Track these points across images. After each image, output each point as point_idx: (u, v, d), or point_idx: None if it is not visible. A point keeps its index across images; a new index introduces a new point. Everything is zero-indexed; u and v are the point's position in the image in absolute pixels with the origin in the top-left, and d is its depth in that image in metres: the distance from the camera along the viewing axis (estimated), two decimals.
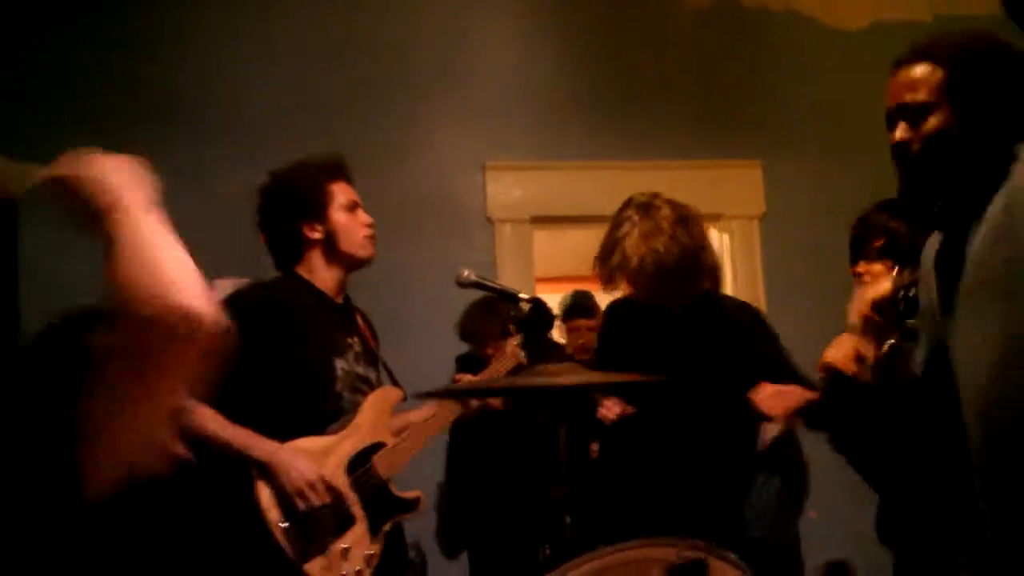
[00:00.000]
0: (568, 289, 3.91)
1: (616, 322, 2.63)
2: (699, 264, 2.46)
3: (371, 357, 2.44)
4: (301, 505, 2.11)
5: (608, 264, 2.39)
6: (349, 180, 2.40)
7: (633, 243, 2.36)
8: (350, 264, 2.37)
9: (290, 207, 2.34)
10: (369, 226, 2.36)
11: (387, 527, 2.25)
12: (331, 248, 2.34)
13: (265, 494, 2.11)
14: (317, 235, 2.33)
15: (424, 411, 2.40)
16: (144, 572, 2.27)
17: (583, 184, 3.82)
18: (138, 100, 3.51)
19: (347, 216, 2.34)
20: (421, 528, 2.07)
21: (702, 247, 2.48)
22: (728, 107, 3.98)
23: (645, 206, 2.45)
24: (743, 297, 3.39)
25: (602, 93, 3.92)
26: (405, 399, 2.43)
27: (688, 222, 2.45)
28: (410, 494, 2.33)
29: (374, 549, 2.19)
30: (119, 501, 1.14)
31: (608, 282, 2.43)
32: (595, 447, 2.35)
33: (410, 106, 3.75)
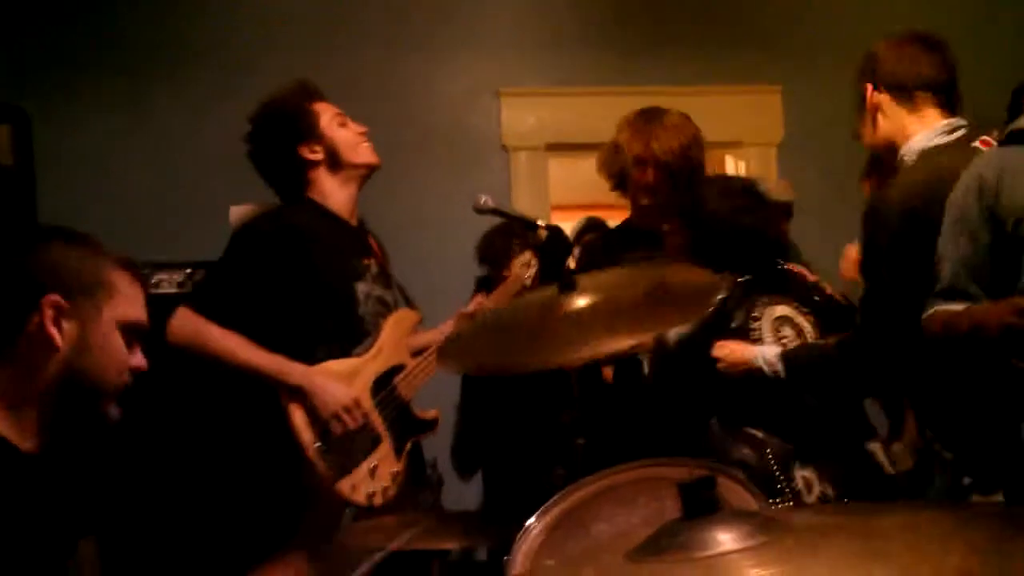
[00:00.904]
0: (582, 216, 3.90)
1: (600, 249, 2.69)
2: (699, 178, 2.51)
3: (387, 279, 2.47)
4: (338, 429, 2.15)
5: (620, 156, 2.45)
6: (325, 99, 2.40)
7: (656, 134, 2.46)
8: (358, 175, 2.37)
9: (283, 133, 2.33)
10: (363, 134, 2.37)
11: (409, 446, 2.31)
12: (335, 163, 2.33)
13: (298, 416, 2.14)
14: (318, 155, 2.32)
15: (440, 332, 2.43)
16: (183, 492, 2.37)
17: (598, 111, 3.77)
18: (160, 30, 3.50)
19: (341, 129, 2.35)
20: (437, 448, 2.14)
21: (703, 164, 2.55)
22: (747, 30, 3.89)
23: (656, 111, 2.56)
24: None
25: (617, 18, 3.84)
26: (421, 321, 2.48)
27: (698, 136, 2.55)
28: (429, 414, 2.38)
29: (399, 467, 2.26)
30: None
31: (617, 177, 2.50)
32: (609, 372, 2.39)
33: (424, 33, 3.69)
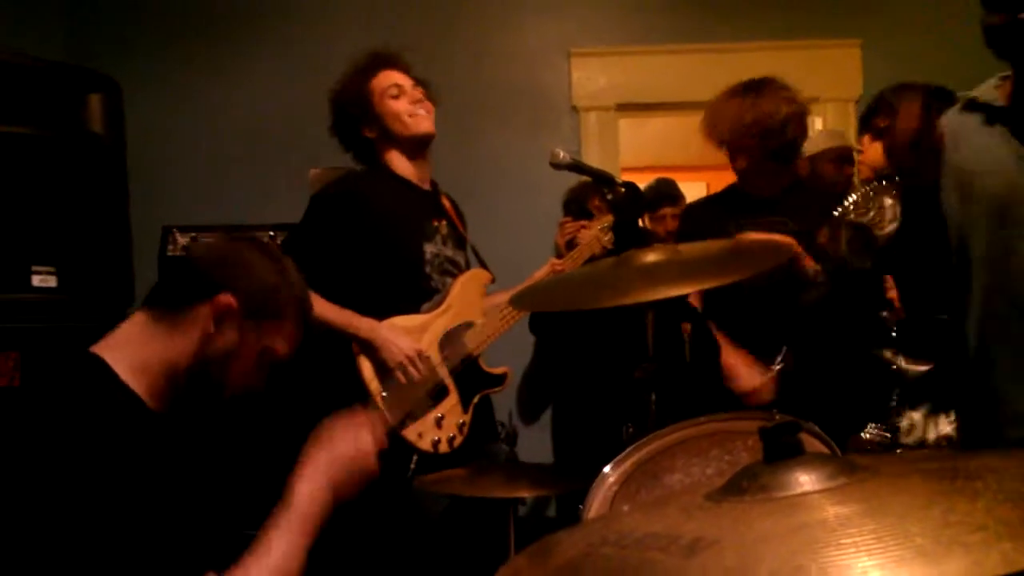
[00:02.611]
0: (652, 178, 3.88)
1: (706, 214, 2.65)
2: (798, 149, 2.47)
3: (459, 241, 2.54)
4: (402, 378, 2.26)
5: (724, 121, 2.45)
6: (391, 65, 2.47)
7: (762, 101, 2.45)
8: (411, 145, 2.44)
9: (346, 119, 2.47)
10: (415, 102, 2.42)
11: (476, 400, 2.40)
12: (390, 138, 2.44)
13: (367, 367, 2.28)
14: (375, 133, 2.45)
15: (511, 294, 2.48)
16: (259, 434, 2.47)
17: (669, 70, 3.73)
18: (232, 4, 3.58)
19: (390, 103, 2.42)
20: (513, 402, 2.20)
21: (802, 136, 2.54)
22: None
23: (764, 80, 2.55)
24: None
25: None
26: (494, 281, 2.53)
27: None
28: (498, 370, 2.46)
29: (465, 419, 2.36)
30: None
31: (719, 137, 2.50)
32: (688, 327, 2.39)
33: None
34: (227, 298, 1.25)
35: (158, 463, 1.16)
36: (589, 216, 2.64)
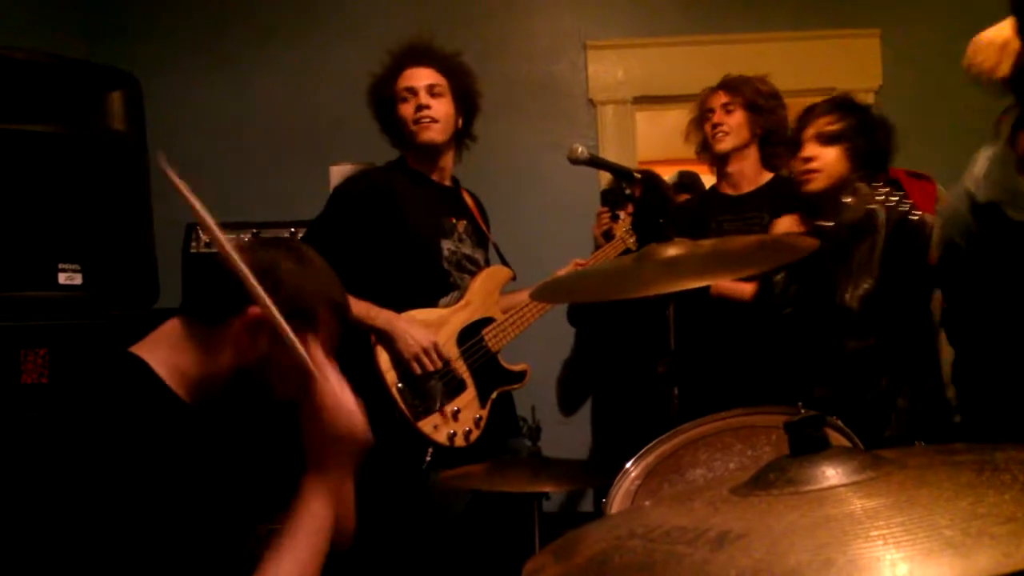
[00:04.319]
0: (672, 172, 3.87)
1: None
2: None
3: (480, 238, 2.55)
4: (416, 369, 2.28)
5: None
6: (415, 62, 2.47)
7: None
8: (417, 150, 2.46)
9: (378, 111, 2.51)
10: (419, 108, 2.42)
11: (495, 395, 2.41)
12: (402, 139, 2.48)
13: (384, 358, 2.30)
14: (394, 133, 2.50)
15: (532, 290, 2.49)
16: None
17: (687, 61, 3.71)
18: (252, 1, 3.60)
19: (400, 107, 2.45)
20: (536, 398, 2.20)
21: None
22: None
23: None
24: None
25: None
26: (515, 278, 2.54)
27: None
28: (517, 366, 2.47)
29: (482, 413, 2.37)
30: None
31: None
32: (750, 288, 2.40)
33: None
34: (256, 311, 1.26)
35: (202, 460, 1.17)
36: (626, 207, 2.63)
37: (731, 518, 0.75)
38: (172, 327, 1.31)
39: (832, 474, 0.77)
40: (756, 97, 2.60)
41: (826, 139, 2.21)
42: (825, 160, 2.20)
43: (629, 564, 0.72)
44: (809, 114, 2.30)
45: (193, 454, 1.17)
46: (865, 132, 2.25)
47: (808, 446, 0.82)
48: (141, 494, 1.11)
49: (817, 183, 2.21)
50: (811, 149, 2.23)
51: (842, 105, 2.29)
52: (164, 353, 1.26)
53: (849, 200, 2.14)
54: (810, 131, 2.24)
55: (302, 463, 1.26)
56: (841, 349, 2.03)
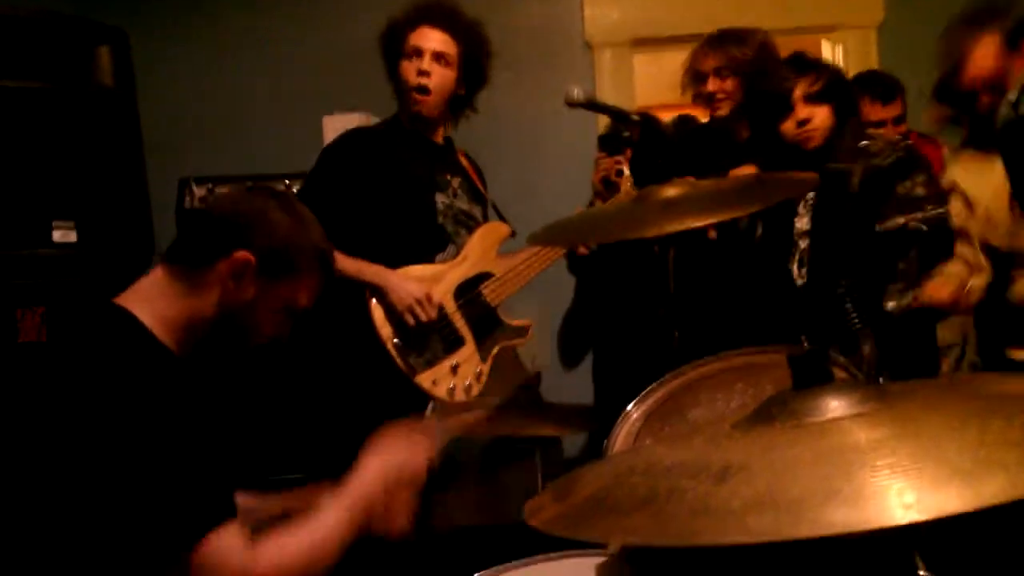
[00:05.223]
0: (671, 116, 3.81)
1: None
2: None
3: (475, 194, 2.53)
4: (410, 320, 2.27)
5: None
6: (429, 21, 2.39)
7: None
8: (409, 115, 2.42)
9: (386, 56, 2.44)
10: (420, 73, 2.35)
11: (495, 350, 2.40)
12: (400, 94, 2.43)
13: (378, 313, 2.28)
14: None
15: (532, 248, 2.46)
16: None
17: (685, 1, 3.63)
18: None
19: (403, 65, 2.38)
20: (537, 347, 2.20)
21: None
22: None
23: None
24: None
25: None
26: (514, 235, 2.51)
27: None
28: (520, 322, 2.46)
29: (483, 368, 2.37)
30: None
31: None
32: (713, 233, 2.38)
33: None
34: (244, 255, 1.27)
35: (190, 408, 1.18)
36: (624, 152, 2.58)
37: (733, 452, 0.75)
38: (155, 276, 1.31)
39: (836, 406, 0.76)
40: (747, 66, 2.53)
41: (814, 98, 2.44)
42: (820, 118, 2.44)
43: (631, 498, 0.72)
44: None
45: (184, 404, 1.17)
46: (840, 85, 2.51)
47: (811, 379, 0.81)
48: (136, 446, 1.12)
49: (816, 140, 2.45)
50: (805, 111, 2.44)
51: (813, 65, 2.54)
52: (150, 304, 1.27)
53: (867, 144, 2.41)
54: (797, 93, 2.45)
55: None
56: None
